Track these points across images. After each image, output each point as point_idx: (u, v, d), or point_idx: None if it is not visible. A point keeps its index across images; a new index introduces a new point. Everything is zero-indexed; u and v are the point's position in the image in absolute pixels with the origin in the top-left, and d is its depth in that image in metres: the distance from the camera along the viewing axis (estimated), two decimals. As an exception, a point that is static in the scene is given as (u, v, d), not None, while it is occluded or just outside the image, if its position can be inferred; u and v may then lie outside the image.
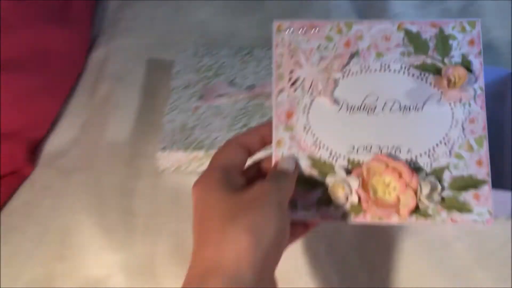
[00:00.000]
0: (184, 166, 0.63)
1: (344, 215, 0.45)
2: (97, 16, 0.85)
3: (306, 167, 0.46)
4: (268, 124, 0.46)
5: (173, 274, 0.55)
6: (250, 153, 0.44)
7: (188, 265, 0.38)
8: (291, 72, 0.47)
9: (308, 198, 0.46)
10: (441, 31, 0.48)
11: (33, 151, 0.67)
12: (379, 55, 0.47)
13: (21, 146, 0.65)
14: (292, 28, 0.48)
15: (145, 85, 0.73)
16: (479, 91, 0.46)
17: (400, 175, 0.44)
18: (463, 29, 0.48)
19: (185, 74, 0.69)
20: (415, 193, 0.44)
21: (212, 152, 0.57)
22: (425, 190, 0.44)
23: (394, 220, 0.44)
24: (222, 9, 0.84)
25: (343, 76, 0.47)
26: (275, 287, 0.39)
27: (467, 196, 0.45)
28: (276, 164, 0.44)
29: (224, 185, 0.39)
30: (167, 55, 0.76)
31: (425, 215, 0.45)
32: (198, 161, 0.62)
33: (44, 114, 0.69)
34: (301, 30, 0.48)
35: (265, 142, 0.45)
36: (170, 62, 0.72)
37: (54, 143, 0.68)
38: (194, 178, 0.58)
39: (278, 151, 0.46)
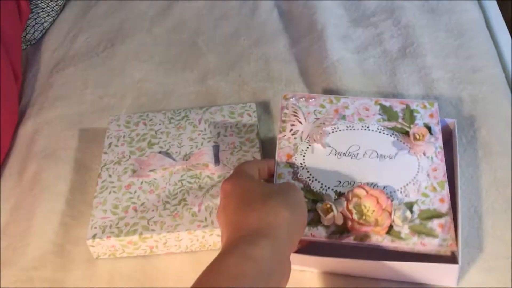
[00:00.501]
0: (119, 251, 0.59)
1: (331, 235, 0.54)
2: (27, 83, 0.81)
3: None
4: (272, 160, 0.59)
5: None
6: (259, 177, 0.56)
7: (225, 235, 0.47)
8: (293, 125, 0.62)
9: None
10: (407, 106, 0.63)
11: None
12: (361, 119, 0.63)
13: None
14: (295, 97, 0.65)
15: (77, 161, 0.69)
16: (439, 149, 0.59)
17: (378, 201, 0.54)
18: (424, 107, 0.63)
19: (117, 147, 0.66)
20: (390, 215, 0.53)
21: (147, 236, 0.58)
22: (398, 212, 0.53)
23: (373, 240, 0.53)
24: (157, 67, 0.81)
25: (333, 131, 0.62)
26: (290, 266, 0.46)
27: (433, 224, 0.54)
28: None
29: (255, 179, 0.54)
30: (100, 123, 0.73)
31: (399, 237, 0.53)
32: (133, 245, 0.58)
33: None
34: (302, 99, 0.65)
35: (270, 173, 0.58)
36: (103, 130, 0.69)
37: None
38: (131, 263, 0.60)
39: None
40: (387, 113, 0.62)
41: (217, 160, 0.63)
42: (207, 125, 0.67)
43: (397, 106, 0.63)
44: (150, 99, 0.77)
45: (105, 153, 0.65)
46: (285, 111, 0.63)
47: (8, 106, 0.72)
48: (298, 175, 0.58)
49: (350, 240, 0.53)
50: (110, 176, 0.63)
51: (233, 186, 0.50)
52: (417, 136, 0.59)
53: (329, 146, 0.60)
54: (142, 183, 0.62)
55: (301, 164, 0.59)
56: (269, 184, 0.54)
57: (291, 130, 0.61)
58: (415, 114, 0.62)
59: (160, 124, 0.68)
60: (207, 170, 0.62)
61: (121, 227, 0.58)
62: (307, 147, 0.60)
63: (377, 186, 0.56)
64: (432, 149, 0.59)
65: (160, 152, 0.64)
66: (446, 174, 0.57)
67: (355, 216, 0.53)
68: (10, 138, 0.73)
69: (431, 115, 0.62)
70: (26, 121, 0.75)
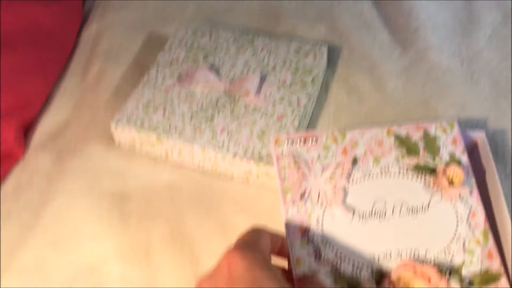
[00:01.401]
0: (138, 146, 0.60)
1: None
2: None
3: (330, 283, 0.44)
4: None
5: (169, 260, 0.53)
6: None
7: None
8: (297, 183, 0.48)
9: None
10: (426, 133, 0.51)
11: (25, 133, 0.65)
12: (376, 159, 0.50)
13: (12, 128, 0.62)
14: (290, 141, 0.50)
15: (139, 62, 0.70)
16: (472, 186, 0.49)
17: (429, 280, 0.44)
18: (444, 131, 0.52)
19: (176, 49, 0.66)
20: None
21: (163, 139, 0.57)
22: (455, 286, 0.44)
23: None
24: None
25: (349, 185, 0.49)
26: None
27: None
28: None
29: (275, 275, 0.37)
30: (164, 30, 0.73)
31: None
32: (151, 146, 0.59)
33: (36, 94, 0.66)
34: (299, 142, 0.50)
35: (282, 253, 0.44)
36: (166, 37, 0.69)
37: (46, 124, 0.66)
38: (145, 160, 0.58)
39: (299, 270, 0.44)
40: (405, 145, 0.51)
41: (258, 91, 0.60)
42: (268, 54, 0.65)
43: (414, 133, 0.51)
44: (211, 10, 0.76)
45: (162, 53, 0.66)
46: (282, 162, 0.49)
47: (72, 7, 0.74)
48: (322, 256, 0.45)
49: None
50: (157, 74, 0.64)
51: (247, 272, 0.36)
52: (452, 179, 0.48)
53: (351, 209, 0.47)
54: (181, 90, 0.62)
55: (322, 239, 0.46)
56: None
57: (298, 190, 0.48)
58: (437, 142, 0.51)
59: (224, 41, 0.67)
60: (246, 98, 0.60)
61: (144, 123, 0.59)
62: (323, 213, 0.47)
63: (418, 252, 0.46)
64: (467, 190, 0.48)
65: (210, 68, 0.63)
66: (486, 220, 0.47)
67: None
68: (74, 38, 0.75)
69: (454, 141, 0.51)
70: (90, 23, 0.77)
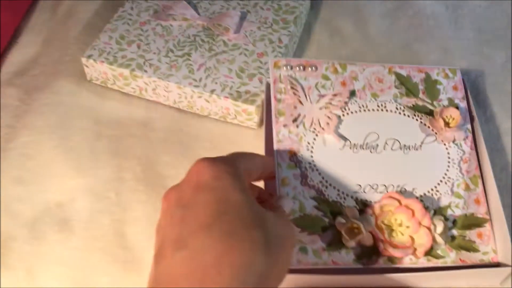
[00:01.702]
0: (110, 81, 0.57)
1: (357, 259, 0.43)
2: None
3: (313, 207, 0.44)
4: (271, 159, 0.43)
5: (140, 199, 0.51)
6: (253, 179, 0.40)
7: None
8: (291, 108, 0.47)
9: (318, 242, 0.43)
10: (427, 76, 0.51)
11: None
12: (374, 95, 0.49)
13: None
14: (289, 65, 0.49)
15: None
16: (468, 133, 0.49)
17: (413, 213, 0.43)
18: (446, 76, 0.51)
19: None
20: (429, 231, 0.43)
21: (138, 75, 0.55)
22: (439, 228, 0.43)
23: (406, 262, 0.43)
24: None
25: (343, 114, 0.48)
26: None
27: (472, 235, 0.44)
28: (275, 199, 0.41)
29: (244, 187, 0.35)
30: None
31: (436, 256, 0.43)
32: (124, 80, 0.57)
33: (2, 29, 0.63)
34: (298, 67, 0.49)
35: (266, 175, 0.42)
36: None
37: (14, 60, 0.63)
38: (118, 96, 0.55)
39: (283, 190, 0.44)
40: (405, 85, 0.50)
41: (238, 28, 0.58)
42: None
43: (416, 75, 0.51)
44: None
45: None
46: (280, 85, 0.48)
47: None
48: (308, 179, 0.45)
49: (380, 264, 0.43)
50: (132, 8, 0.61)
51: (215, 180, 0.34)
52: (447, 120, 0.48)
53: (343, 137, 0.47)
54: (157, 25, 0.59)
55: (309, 163, 0.45)
56: (258, 205, 0.35)
57: (291, 114, 0.47)
58: (437, 86, 0.50)
59: None
60: (226, 35, 0.58)
61: (117, 57, 0.56)
62: (314, 139, 0.47)
63: (405, 189, 0.45)
64: (462, 135, 0.48)
65: (189, 3, 0.61)
66: (478, 166, 0.47)
67: (387, 236, 0.43)
68: None
69: (455, 87, 0.51)
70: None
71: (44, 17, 0.68)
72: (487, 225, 0.45)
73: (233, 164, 0.36)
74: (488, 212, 0.45)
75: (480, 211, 0.45)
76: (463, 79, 0.52)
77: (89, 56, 0.56)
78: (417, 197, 0.45)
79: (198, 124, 0.56)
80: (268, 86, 0.50)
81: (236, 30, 0.58)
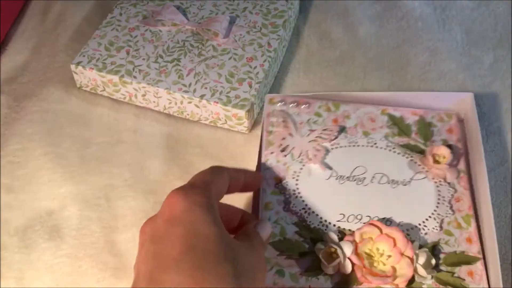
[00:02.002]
0: (100, 88, 0.57)
1: (335, 287, 0.42)
2: None
3: (294, 232, 0.45)
4: (253, 173, 0.46)
5: (130, 205, 0.51)
6: (228, 191, 0.41)
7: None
8: (281, 139, 0.49)
9: (296, 266, 0.43)
10: (421, 118, 0.51)
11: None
12: (366, 133, 0.50)
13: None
14: (284, 102, 0.52)
15: (102, 4, 0.67)
16: (461, 173, 0.48)
17: (395, 243, 0.42)
18: (441, 119, 0.51)
19: None
20: (411, 262, 0.42)
21: (127, 81, 0.55)
22: (422, 259, 0.42)
23: None
24: None
25: (332, 148, 0.49)
26: None
27: (461, 273, 0.43)
28: (254, 225, 0.41)
29: (215, 219, 0.35)
30: None
31: (419, 286, 0.42)
32: (113, 87, 0.56)
33: None
34: (292, 104, 0.52)
35: (245, 187, 0.43)
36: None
37: (3, 68, 0.62)
38: (107, 103, 0.57)
39: (265, 214, 0.45)
40: (398, 126, 0.51)
41: (227, 33, 0.58)
42: None
43: (409, 117, 0.51)
44: None
45: None
46: (272, 119, 0.51)
47: None
48: (291, 205, 0.46)
49: None
50: (120, 14, 0.61)
51: (186, 213, 0.35)
52: (437, 158, 0.48)
53: (329, 168, 0.48)
54: (146, 30, 0.59)
55: (294, 191, 0.47)
56: (229, 237, 0.35)
57: (280, 145, 0.49)
58: (431, 128, 0.51)
59: None
60: (215, 39, 0.58)
61: (106, 64, 0.56)
62: (301, 168, 0.48)
63: (391, 222, 0.45)
64: (454, 174, 0.48)
65: (178, 8, 0.61)
66: (472, 206, 0.47)
67: (366, 264, 0.42)
68: None
69: (450, 130, 0.51)
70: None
71: (33, 23, 0.67)
72: (479, 264, 0.44)
73: (205, 194, 0.36)
74: (482, 251, 0.44)
75: (472, 250, 0.44)
76: (459, 123, 0.52)
77: (78, 63, 0.56)
78: (403, 231, 0.44)
79: (188, 129, 0.56)
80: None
81: (225, 35, 0.58)
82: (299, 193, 0.47)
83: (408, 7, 0.66)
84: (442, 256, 0.44)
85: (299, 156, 0.48)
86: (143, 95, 0.56)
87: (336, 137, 0.49)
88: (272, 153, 0.49)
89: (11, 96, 0.59)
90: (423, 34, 0.63)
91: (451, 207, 0.46)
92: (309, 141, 0.49)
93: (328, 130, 0.50)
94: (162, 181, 0.52)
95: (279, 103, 0.52)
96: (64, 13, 0.67)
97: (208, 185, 0.37)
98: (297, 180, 0.47)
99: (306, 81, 0.60)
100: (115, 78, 0.55)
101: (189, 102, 0.54)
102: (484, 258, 0.44)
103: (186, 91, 0.54)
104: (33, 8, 0.69)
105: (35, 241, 0.49)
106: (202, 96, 0.53)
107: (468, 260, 0.44)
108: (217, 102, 0.53)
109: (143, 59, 0.56)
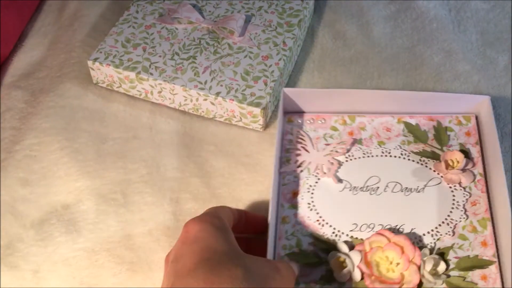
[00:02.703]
0: (116, 84, 0.58)
1: None
2: None
3: (309, 244, 0.46)
4: (256, 216, 0.47)
5: (146, 200, 0.52)
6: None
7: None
8: (298, 155, 0.51)
9: (310, 275, 0.45)
10: (438, 123, 0.52)
11: (-3, 70, 0.62)
12: (380, 143, 0.51)
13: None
14: (301, 119, 0.53)
15: (117, 3, 0.67)
16: (478, 176, 0.49)
17: (403, 250, 0.43)
18: (460, 123, 0.52)
19: None
20: (419, 268, 0.43)
21: (144, 77, 0.56)
22: (428, 265, 0.43)
23: None
24: None
25: (346, 160, 0.50)
26: None
27: (474, 277, 0.44)
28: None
29: (227, 237, 0.40)
30: None
31: None
32: (129, 83, 0.57)
33: (9, 31, 0.63)
34: (309, 120, 0.53)
35: (241, 225, 0.45)
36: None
37: (20, 62, 0.63)
38: (123, 99, 0.58)
39: (283, 228, 0.47)
40: (414, 133, 0.51)
41: (243, 31, 0.58)
42: None
43: (426, 123, 0.52)
44: None
45: None
46: (289, 137, 0.52)
47: None
48: (306, 218, 0.47)
49: None
50: (137, 12, 0.61)
51: (200, 232, 0.39)
52: (450, 163, 0.49)
53: (343, 180, 0.49)
54: (162, 28, 0.60)
55: (309, 204, 0.48)
56: (241, 252, 0.39)
57: (297, 161, 0.50)
58: (448, 133, 0.51)
59: None
60: (230, 37, 0.58)
61: (123, 60, 0.56)
62: (316, 182, 0.49)
63: (403, 229, 0.46)
64: (470, 178, 0.48)
65: (194, 6, 0.61)
66: (489, 209, 0.47)
67: (375, 272, 0.43)
68: None
69: (468, 133, 0.51)
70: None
71: (49, 19, 0.68)
72: (494, 267, 0.44)
73: (216, 216, 0.41)
74: (497, 254, 0.45)
75: (487, 253, 0.45)
76: (477, 124, 0.52)
77: (95, 59, 0.57)
78: (415, 237, 0.46)
79: (203, 126, 0.56)
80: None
81: (240, 33, 0.58)
82: (314, 205, 0.48)
83: (422, 8, 0.66)
84: (455, 260, 0.44)
85: (314, 170, 0.50)
86: (159, 92, 0.56)
87: (349, 150, 0.51)
88: (288, 168, 0.50)
89: (28, 91, 0.60)
90: (438, 34, 0.64)
91: (465, 212, 0.47)
92: (324, 155, 0.51)
93: (342, 144, 0.51)
94: (178, 177, 0.53)
95: (297, 121, 0.53)
96: (80, 10, 0.67)
97: (217, 211, 0.42)
98: (312, 193, 0.49)
99: (320, 80, 0.60)
100: (132, 75, 0.56)
101: (205, 99, 0.55)
102: (499, 261, 0.44)
103: (202, 88, 0.54)
104: (49, 5, 0.69)
105: (51, 234, 0.50)
106: (217, 94, 0.54)
107: (481, 264, 0.44)
108: (232, 100, 0.53)
109: (160, 56, 0.57)
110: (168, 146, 0.55)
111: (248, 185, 0.52)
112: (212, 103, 0.55)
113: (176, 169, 0.53)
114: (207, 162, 0.54)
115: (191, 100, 0.55)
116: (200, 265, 0.36)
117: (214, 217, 0.40)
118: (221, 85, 0.54)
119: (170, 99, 0.57)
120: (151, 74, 0.55)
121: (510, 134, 0.55)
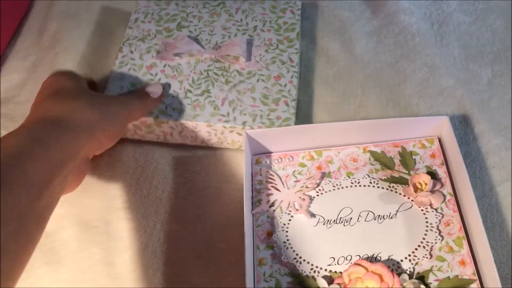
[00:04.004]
0: (131, 131, 0.56)
1: None
2: None
3: (288, 283, 0.46)
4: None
5: (128, 227, 0.51)
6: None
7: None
8: (269, 195, 0.51)
9: None
10: (403, 149, 0.53)
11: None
12: (349, 174, 0.52)
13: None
14: (268, 160, 0.53)
15: (100, 25, 0.66)
16: (448, 196, 0.49)
17: (382, 278, 0.44)
18: (423, 146, 0.53)
19: (143, 23, 0.61)
20: None
21: (163, 120, 0.54)
22: None
23: None
24: None
25: (317, 194, 0.51)
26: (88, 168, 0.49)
27: None
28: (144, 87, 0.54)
29: (79, 82, 0.50)
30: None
31: None
32: (147, 128, 0.55)
33: None
34: (277, 160, 0.53)
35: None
36: (131, 2, 0.66)
37: (0, 87, 0.62)
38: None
39: (260, 270, 0.47)
40: (380, 161, 0.52)
41: (249, 55, 0.58)
42: (244, 16, 0.62)
43: (390, 150, 0.53)
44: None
45: (130, 27, 0.60)
46: (259, 178, 0.52)
47: None
48: (282, 257, 0.47)
49: None
50: (131, 52, 0.59)
51: (54, 78, 0.49)
52: (418, 186, 0.49)
53: (316, 215, 0.49)
54: (165, 66, 0.58)
55: (284, 242, 0.48)
56: (90, 91, 0.50)
57: (268, 201, 0.50)
58: (413, 157, 0.52)
59: (193, 7, 0.62)
60: (237, 64, 0.57)
61: None
62: (289, 220, 0.49)
63: (380, 257, 0.47)
64: (440, 199, 0.49)
65: (189, 37, 0.59)
66: (463, 227, 0.48)
67: None
68: None
69: (433, 155, 0.52)
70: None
71: (29, 42, 0.65)
72: (475, 285, 0.45)
73: (71, 72, 0.51)
74: (476, 272, 0.45)
75: (466, 272, 0.45)
76: (441, 146, 0.53)
77: None
78: (393, 264, 0.46)
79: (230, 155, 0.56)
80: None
81: (247, 58, 0.57)
82: (289, 244, 0.48)
83: (405, 22, 0.66)
84: (435, 283, 0.45)
85: (287, 208, 0.50)
86: (180, 132, 0.55)
87: (319, 184, 0.51)
88: (261, 210, 0.50)
89: (8, 116, 0.59)
90: (421, 49, 0.64)
91: (439, 233, 0.47)
92: (295, 192, 0.51)
93: (311, 179, 0.51)
94: (164, 198, 0.52)
95: (264, 161, 0.53)
96: (60, 32, 0.65)
97: (71, 71, 0.52)
98: (287, 231, 0.49)
99: (306, 98, 0.60)
100: (150, 120, 0.54)
101: (231, 131, 0.54)
102: (480, 279, 0.45)
103: (226, 121, 0.53)
104: (29, 27, 0.67)
105: (32, 266, 0.48)
106: (244, 123, 0.53)
107: (462, 284, 0.45)
108: (261, 127, 0.53)
109: (173, 96, 0.55)
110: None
111: None
112: (239, 134, 0.54)
113: (160, 188, 0.53)
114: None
115: (216, 134, 0.54)
116: (54, 95, 0.46)
117: (69, 73, 0.50)
118: (244, 114, 0.54)
119: (191, 137, 0.55)
120: (170, 115, 0.54)
121: (495, 150, 0.55)
